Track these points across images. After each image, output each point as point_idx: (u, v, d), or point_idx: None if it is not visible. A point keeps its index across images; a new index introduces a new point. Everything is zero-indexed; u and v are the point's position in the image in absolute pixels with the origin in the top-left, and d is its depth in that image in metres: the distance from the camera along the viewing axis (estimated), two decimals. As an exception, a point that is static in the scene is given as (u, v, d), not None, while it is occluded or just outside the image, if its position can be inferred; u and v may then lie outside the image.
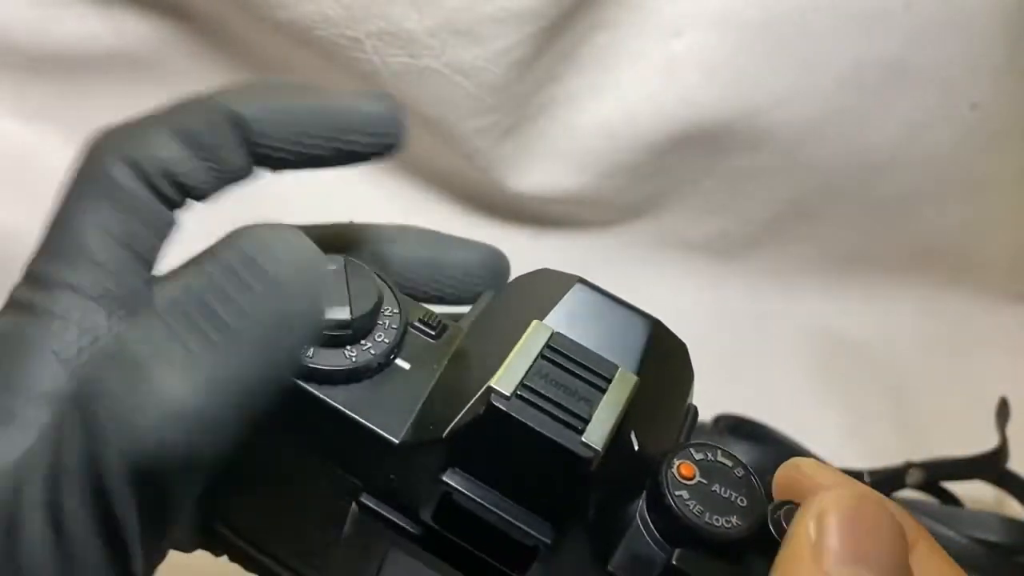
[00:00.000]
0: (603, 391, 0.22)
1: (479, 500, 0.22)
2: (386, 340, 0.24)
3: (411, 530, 0.23)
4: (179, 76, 0.52)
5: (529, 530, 0.22)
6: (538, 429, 0.21)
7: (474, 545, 0.23)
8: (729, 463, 0.23)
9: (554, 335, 0.22)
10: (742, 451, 0.49)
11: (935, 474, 0.49)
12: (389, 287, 0.25)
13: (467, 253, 0.28)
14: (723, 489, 0.23)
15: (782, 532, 0.21)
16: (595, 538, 0.22)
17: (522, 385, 0.21)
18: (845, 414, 0.58)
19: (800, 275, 0.65)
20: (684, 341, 0.25)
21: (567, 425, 0.21)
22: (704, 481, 0.23)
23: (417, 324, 0.25)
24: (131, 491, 0.17)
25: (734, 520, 0.22)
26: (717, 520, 0.22)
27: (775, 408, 0.53)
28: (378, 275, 0.25)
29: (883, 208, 0.62)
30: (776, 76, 0.55)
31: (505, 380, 0.21)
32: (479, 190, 0.58)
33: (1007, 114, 0.59)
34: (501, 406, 0.21)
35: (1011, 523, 0.48)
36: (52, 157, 0.51)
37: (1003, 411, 0.51)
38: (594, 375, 0.22)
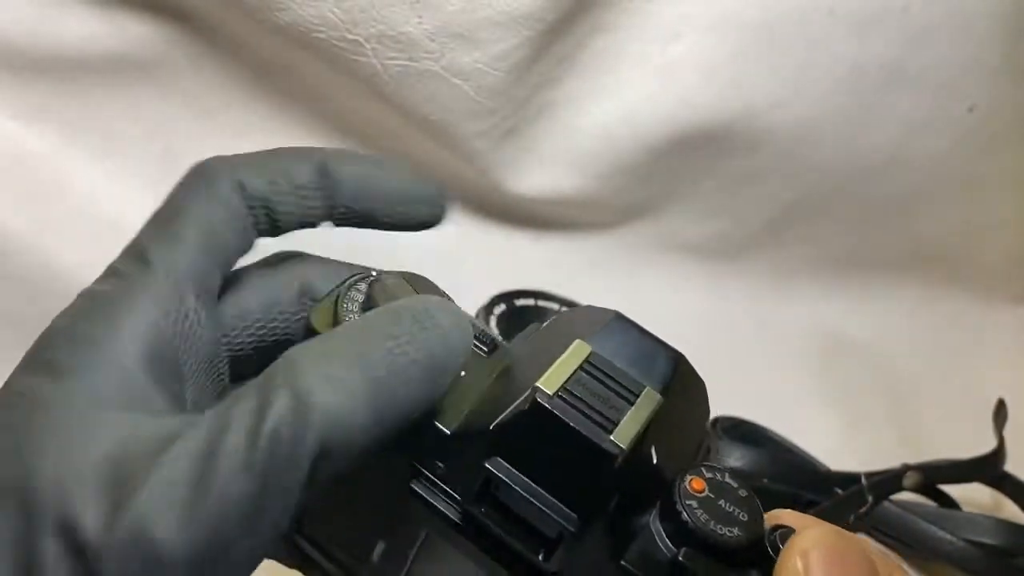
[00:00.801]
0: (631, 404, 0.25)
1: (515, 487, 0.25)
2: None
3: (451, 516, 0.26)
4: (179, 77, 0.52)
5: (557, 518, 0.25)
6: (573, 425, 0.24)
7: (506, 529, 0.26)
8: (735, 484, 0.26)
9: (592, 353, 0.26)
10: (740, 453, 0.49)
11: (932, 477, 0.49)
12: (451, 302, 0.28)
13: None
14: (728, 504, 0.26)
15: (776, 550, 0.25)
16: (613, 534, 0.25)
17: (563, 388, 0.25)
18: (843, 415, 0.58)
19: (799, 276, 0.65)
20: (684, 351, 0.28)
21: (599, 425, 0.24)
22: (712, 496, 0.26)
23: (473, 341, 0.28)
24: None
25: (736, 531, 0.25)
26: (721, 529, 0.25)
27: (774, 409, 0.53)
28: (443, 293, 0.29)
29: (882, 209, 0.62)
30: (775, 78, 0.55)
31: (549, 382, 0.25)
32: (479, 192, 0.58)
33: (1005, 116, 0.59)
34: (544, 403, 0.24)
35: (1008, 526, 0.48)
36: (52, 157, 0.52)
37: (1001, 413, 0.51)
38: (625, 389, 0.26)
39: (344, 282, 0.28)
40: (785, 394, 0.59)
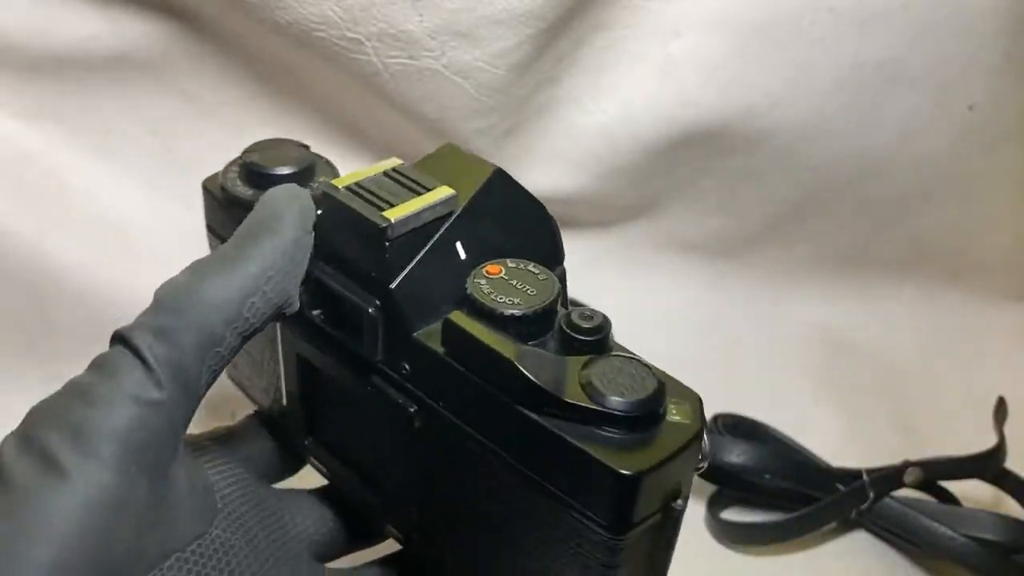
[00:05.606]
0: (418, 194, 0.27)
1: (323, 277, 0.28)
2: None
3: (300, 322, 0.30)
4: (180, 76, 0.52)
5: (357, 299, 0.27)
6: (349, 204, 0.27)
7: (328, 318, 0.29)
8: (537, 271, 0.28)
9: (400, 164, 0.29)
10: (741, 450, 0.49)
11: (933, 473, 0.49)
12: (330, 166, 0.32)
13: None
14: (519, 283, 0.27)
15: (574, 328, 0.26)
16: (410, 313, 0.27)
17: (356, 184, 0.28)
18: (844, 412, 0.58)
19: (799, 275, 0.65)
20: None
21: (373, 205, 0.27)
22: (506, 278, 0.27)
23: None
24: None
25: (515, 301, 0.26)
26: (501, 299, 0.26)
27: (774, 408, 0.53)
28: (327, 162, 0.33)
29: (881, 208, 0.62)
30: (774, 77, 0.55)
31: (342, 180, 0.28)
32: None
33: (1004, 115, 0.59)
34: (330, 192, 0.27)
35: (1009, 522, 0.48)
36: (52, 157, 0.52)
37: (1001, 410, 0.51)
38: (417, 184, 0.28)
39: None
40: (786, 391, 0.59)
